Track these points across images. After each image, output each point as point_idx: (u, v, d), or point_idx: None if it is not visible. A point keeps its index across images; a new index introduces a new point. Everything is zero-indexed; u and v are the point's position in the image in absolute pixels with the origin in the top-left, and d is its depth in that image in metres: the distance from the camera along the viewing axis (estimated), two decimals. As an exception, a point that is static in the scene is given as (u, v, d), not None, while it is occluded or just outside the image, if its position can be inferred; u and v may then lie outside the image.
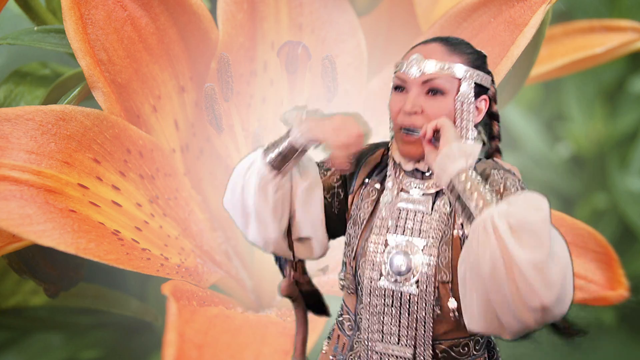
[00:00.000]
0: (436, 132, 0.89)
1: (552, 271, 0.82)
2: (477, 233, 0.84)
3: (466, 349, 0.93)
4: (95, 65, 1.10)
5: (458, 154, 0.87)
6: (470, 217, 0.86)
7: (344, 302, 0.97)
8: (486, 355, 0.95)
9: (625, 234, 1.80)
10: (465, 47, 0.94)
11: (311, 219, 0.96)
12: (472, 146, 0.89)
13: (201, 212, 1.21)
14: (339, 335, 0.97)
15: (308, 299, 1.01)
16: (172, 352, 0.91)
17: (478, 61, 0.94)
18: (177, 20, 1.19)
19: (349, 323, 0.96)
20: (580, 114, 1.93)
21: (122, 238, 1.07)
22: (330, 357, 0.97)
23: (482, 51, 0.95)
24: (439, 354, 0.92)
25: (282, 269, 1.01)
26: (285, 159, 0.93)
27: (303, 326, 0.99)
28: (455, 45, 0.93)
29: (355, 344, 0.94)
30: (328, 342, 0.99)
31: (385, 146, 0.97)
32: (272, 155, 0.93)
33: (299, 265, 1.00)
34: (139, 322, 1.38)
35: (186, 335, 0.94)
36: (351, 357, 0.95)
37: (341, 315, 0.98)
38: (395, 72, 0.94)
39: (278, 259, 1.01)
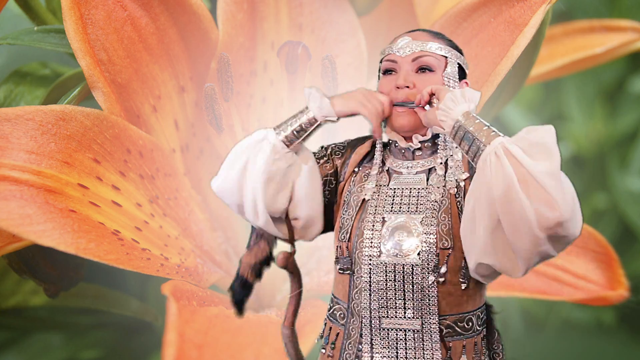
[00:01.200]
0: (431, 97, 0.93)
1: (564, 183, 0.85)
2: (489, 160, 0.87)
3: (470, 323, 0.94)
4: (95, 65, 1.10)
5: (461, 98, 0.91)
6: (477, 152, 0.89)
7: (334, 295, 0.98)
8: (483, 333, 0.96)
9: (625, 234, 1.80)
10: (445, 36, 0.99)
11: (314, 196, 0.98)
12: (473, 92, 0.93)
13: (201, 212, 1.21)
14: (331, 327, 0.98)
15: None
16: (172, 352, 0.91)
17: (457, 48, 0.99)
18: (177, 20, 1.18)
19: (340, 312, 0.97)
20: (580, 114, 1.93)
21: (122, 238, 1.07)
22: (322, 351, 0.98)
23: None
24: (444, 330, 0.93)
25: (250, 239, 1.02)
26: (301, 134, 0.96)
27: (296, 297, 1.00)
28: (436, 33, 0.99)
29: (352, 330, 0.95)
30: (320, 339, 0.99)
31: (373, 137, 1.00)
32: (290, 129, 0.96)
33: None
34: (139, 322, 1.38)
35: (186, 335, 0.94)
36: (350, 344, 0.95)
37: (331, 307, 0.98)
38: (383, 58, 0.98)
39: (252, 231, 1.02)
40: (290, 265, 1.00)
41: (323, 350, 0.98)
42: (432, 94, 0.93)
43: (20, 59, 1.33)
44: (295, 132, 0.96)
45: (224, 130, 1.19)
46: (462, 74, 0.98)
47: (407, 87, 0.95)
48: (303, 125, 0.96)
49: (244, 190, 0.97)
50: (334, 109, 0.96)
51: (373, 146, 0.99)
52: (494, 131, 0.89)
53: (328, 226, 1.00)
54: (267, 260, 1.01)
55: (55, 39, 1.19)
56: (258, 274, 1.00)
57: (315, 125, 0.96)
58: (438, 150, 0.96)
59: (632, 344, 1.73)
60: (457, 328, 0.93)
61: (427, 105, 0.93)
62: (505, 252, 0.88)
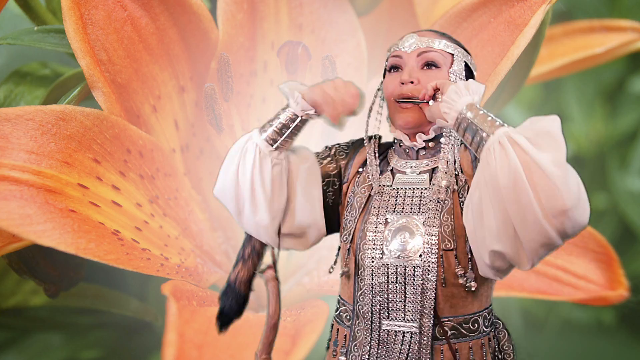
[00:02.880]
0: (436, 92, 0.92)
1: (570, 173, 0.84)
2: (493, 150, 0.86)
3: (476, 325, 0.94)
4: (95, 65, 1.10)
5: (464, 90, 0.90)
6: (481, 143, 0.88)
7: (340, 296, 0.98)
8: (492, 334, 0.96)
9: (625, 234, 1.80)
10: (452, 37, 0.98)
11: (311, 202, 0.97)
12: (477, 84, 0.92)
13: (201, 212, 1.21)
14: (338, 329, 0.98)
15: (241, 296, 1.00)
16: (172, 352, 0.91)
17: (464, 48, 0.98)
18: (177, 20, 1.18)
19: (346, 314, 0.97)
20: (580, 114, 1.93)
21: (122, 238, 1.07)
22: (333, 354, 0.98)
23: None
24: (449, 331, 0.92)
25: (243, 252, 1.02)
26: (284, 131, 0.95)
27: (275, 322, 0.98)
28: (443, 33, 0.98)
29: (358, 332, 0.95)
30: (329, 341, 0.99)
31: (377, 137, 0.99)
32: (272, 128, 0.95)
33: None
34: (139, 322, 1.38)
35: (186, 335, 0.94)
36: (355, 346, 0.95)
37: (338, 309, 0.98)
38: (389, 55, 0.97)
39: (243, 247, 1.02)
40: (273, 280, 0.99)
41: (334, 354, 0.98)
42: (436, 89, 0.92)
43: (20, 59, 1.34)
44: (277, 130, 0.95)
45: (224, 130, 1.19)
46: (469, 73, 0.97)
47: (412, 82, 0.94)
48: (284, 122, 0.95)
49: (241, 191, 0.95)
50: (304, 99, 0.94)
51: (379, 146, 0.98)
52: (498, 121, 0.88)
53: (332, 228, 1.00)
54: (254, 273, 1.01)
55: (55, 39, 1.19)
56: (250, 288, 1.00)
57: (297, 121, 0.95)
58: (441, 150, 0.95)
59: (632, 344, 1.73)
60: (462, 330, 0.93)
61: (432, 100, 0.92)
62: (514, 241, 0.87)
